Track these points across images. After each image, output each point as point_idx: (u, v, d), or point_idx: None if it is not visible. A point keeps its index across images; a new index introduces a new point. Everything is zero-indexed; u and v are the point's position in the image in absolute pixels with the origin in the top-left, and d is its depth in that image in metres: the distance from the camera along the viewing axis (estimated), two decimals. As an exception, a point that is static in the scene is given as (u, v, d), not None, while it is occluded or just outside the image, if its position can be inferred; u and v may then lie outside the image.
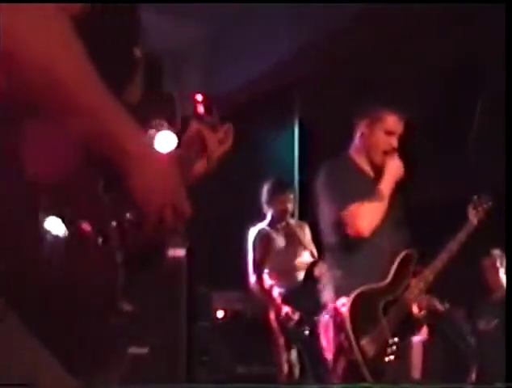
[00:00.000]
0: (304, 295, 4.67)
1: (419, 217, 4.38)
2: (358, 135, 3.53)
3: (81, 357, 1.26)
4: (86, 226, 1.23)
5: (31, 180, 1.16)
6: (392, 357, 3.22)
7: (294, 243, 5.20)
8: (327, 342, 3.33)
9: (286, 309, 4.95)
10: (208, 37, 6.22)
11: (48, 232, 1.16)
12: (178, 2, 1.15)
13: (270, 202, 5.31)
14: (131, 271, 1.33)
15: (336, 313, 3.27)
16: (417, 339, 5.00)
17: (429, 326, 5.08)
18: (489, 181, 3.78)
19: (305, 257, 5.12)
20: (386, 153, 3.46)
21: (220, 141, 1.78)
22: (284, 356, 5.06)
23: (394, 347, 3.23)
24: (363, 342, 3.18)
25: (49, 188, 1.18)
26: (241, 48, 5.91)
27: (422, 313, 3.41)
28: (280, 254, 5.24)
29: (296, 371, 5.05)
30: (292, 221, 5.33)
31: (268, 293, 5.09)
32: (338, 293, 3.32)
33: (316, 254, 5.00)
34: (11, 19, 1.09)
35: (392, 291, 3.34)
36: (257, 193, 5.37)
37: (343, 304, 3.24)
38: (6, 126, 1.18)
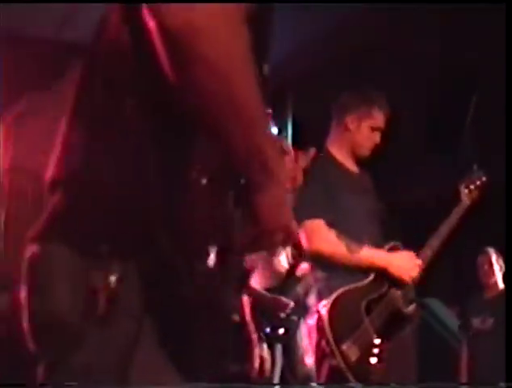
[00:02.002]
0: (285, 294, 4.66)
1: (407, 211, 4.36)
2: (341, 130, 3.47)
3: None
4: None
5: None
6: (377, 359, 3.13)
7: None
8: (309, 345, 3.28)
9: (276, 297, 4.93)
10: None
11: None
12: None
13: None
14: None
15: (318, 316, 3.17)
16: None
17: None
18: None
19: (283, 260, 5.10)
20: (371, 150, 3.45)
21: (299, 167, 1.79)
22: (257, 352, 5.05)
23: (379, 348, 3.15)
24: (345, 346, 3.09)
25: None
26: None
27: (411, 308, 3.29)
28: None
29: (268, 367, 5.04)
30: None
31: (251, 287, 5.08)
32: (321, 296, 3.23)
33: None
34: (203, 19, 1.09)
35: (375, 288, 3.25)
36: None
37: (324, 306, 3.15)
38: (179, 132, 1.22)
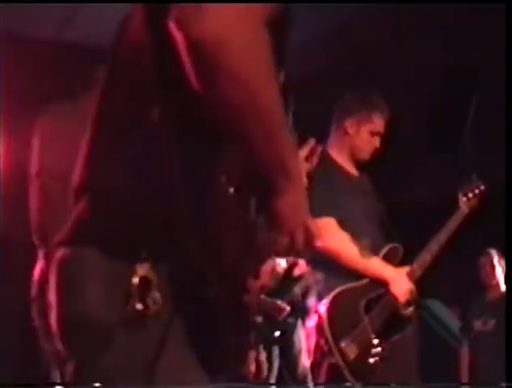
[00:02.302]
0: (283, 294, 4.66)
1: (408, 212, 4.35)
2: (340, 133, 3.47)
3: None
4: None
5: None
6: (376, 358, 3.13)
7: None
8: (308, 346, 3.27)
9: (273, 301, 4.92)
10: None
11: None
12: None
13: None
14: None
15: (317, 315, 3.18)
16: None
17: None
18: (484, 178, 3.68)
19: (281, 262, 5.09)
20: (371, 154, 3.44)
21: (305, 159, 1.78)
22: (253, 355, 5.05)
23: (379, 348, 3.14)
24: (343, 344, 3.09)
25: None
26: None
27: (410, 309, 3.28)
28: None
29: (265, 370, 5.03)
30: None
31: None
32: (320, 296, 3.24)
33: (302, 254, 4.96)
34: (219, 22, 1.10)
35: (374, 288, 3.25)
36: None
37: (322, 305, 3.16)
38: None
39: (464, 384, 5.48)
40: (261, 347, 4.98)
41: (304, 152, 1.79)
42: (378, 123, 3.44)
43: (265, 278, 5.07)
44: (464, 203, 3.46)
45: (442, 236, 3.37)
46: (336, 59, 5.12)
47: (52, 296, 1.31)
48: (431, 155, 5.51)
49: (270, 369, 4.97)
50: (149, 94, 1.27)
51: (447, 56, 4.74)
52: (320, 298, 3.23)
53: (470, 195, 3.47)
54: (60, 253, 1.30)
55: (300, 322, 4.61)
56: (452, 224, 3.40)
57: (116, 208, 1.28)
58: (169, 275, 1.24)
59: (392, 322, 3.23)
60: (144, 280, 1.22)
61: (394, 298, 3.24)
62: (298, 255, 1.45)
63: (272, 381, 4.90)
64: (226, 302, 1.28)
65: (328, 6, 4.34)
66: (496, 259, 5.67)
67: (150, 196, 1.25)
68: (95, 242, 1.27)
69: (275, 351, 4.97)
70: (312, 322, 3.24)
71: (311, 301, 3.37)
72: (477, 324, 5.66)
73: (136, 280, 1.22)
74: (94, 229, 1.29)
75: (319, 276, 3.32)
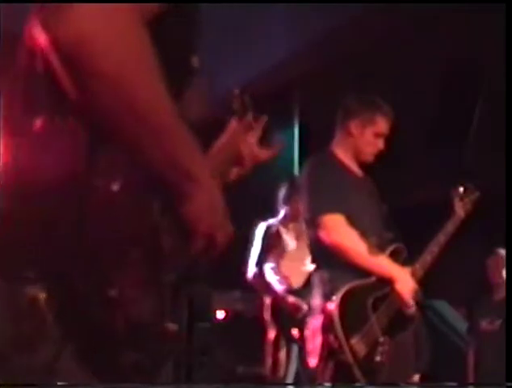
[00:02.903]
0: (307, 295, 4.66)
1: (408, 212, 4.35)
2: (345, 134, 3.47)
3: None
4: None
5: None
6: (382, 357, 3.13)
7: (303, 244, 5.18)
8: (313, 345, 3.28)
9: (293, 299, 4.93)
10: (207, 37, 6.21)
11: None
12: (180, 2, 1.11)
13: (286, 200, 5.29)
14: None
15: (325, 313, 3.19)
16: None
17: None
18: (487, 177, 3.72)
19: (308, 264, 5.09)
20: (374, 155, 3.45)
21: (258, 145, 1.68)
22: (272, 353, 5.06)
23: (385, 346, 3.15)
24: (353, 341, 3.10)
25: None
26: (241, 48, 5.90)
27: (413, 309, 3.30)
28: (288, 252, 5.23)
29: (282, 369, 5.04)
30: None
31: (269, 286, 5.08)
32: (327, 295, 3.24)
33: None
34: (91, 20, 1.05)
35: (380, 287, 3.26)
36: (254, 192, 5.34)
37: (331, 302, 3.16)
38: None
39: (470, 384, 5.46)
40: (281, 345, 5.00)
41: (254, 134, 1.68)
42: (382, 124, 3.44)
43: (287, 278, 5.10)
44: (460, 208, 3.55)
45: (441, 238, 3.41)
46: (339, 58, 5.12)
47: None
48: (433, 155, 5.50)
49: (287, 368, 4.98)
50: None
51: (446, 56, 4.73)
52: (327, 296, 3.24)
53: (466, 199, 3.57)
54: None
55: None
56: (450, 227, 3.46)
57: (5, 228, 1.22)
58: (61, 294, 1.17)
59: (396, 320, 3.24)
60: (33, 301, 1.17)
61: (399, 297, 3.25)
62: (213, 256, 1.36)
63: (289, 381, 4.91)
64: (124, 315, 1.20)
65: (329, 7, 4.34)
66: (504, 259, 5.64)
67: (35, 213, 1.19)
68: None
69: (295, 351, 4.98)
70: (319, 319, 3.25)
71: (316, 299, 3.38)
72: (484, 324, 5.65)
73: (25, 301, 1.17)
74: None
75: (327, 275, 3.32)
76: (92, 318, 1.18)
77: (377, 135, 3.43)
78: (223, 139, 1.67)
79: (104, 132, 1.14)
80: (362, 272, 3.25)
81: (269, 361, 5.08)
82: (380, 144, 3.45)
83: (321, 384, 3.36)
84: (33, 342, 1.17)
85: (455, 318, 6.49)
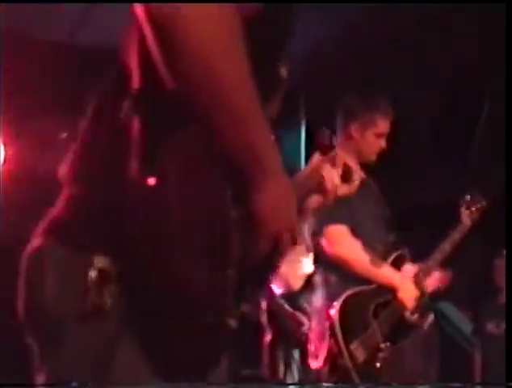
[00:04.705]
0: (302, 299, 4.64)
1: (413, 217, 4.35)
2: (346, 137, 3.47)
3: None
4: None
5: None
6: (382, 362, 3.15)
7: (302, 245, 5.16)
8: (315, 348, 3.29)
9: (293, 312, 4.93)
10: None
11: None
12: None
13: None
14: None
15: (327, 317, 3.22)
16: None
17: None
18: (490, 182, 3.73)
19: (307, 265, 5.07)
20: (377, 154, 3.45)
21: (341, 180, 1.70)
22: (270, 356, 5.05)
23: (385, 353, 3.16)
24: (353, 346, 3.12)
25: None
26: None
27: (415, 316, 3.32)
28: (289, 256, 5.22)
29: (281, 371, 5.03)
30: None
31: (267, 288, 5.09)
32: (332, 298, 3.26)
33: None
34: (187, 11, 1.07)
35: (382, 293, 3.28)
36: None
37: (333, 307, 3.19)
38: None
39: (470, 384, 5.43)
40: (280, 348, 5.00)
41: (340, 172, 1.70)
42: (382, 125, 3.44)
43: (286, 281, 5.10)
44: (467, 216, 3.57)
45: (446, 246, 3.44)
46: (347, 59, 5.11)
47: (19, 287, 1.32)
48: (438, 158, 5.48)
49: (287, 371, 4.97)
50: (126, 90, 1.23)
51: (445, 58, 4.72)
52: (331, 300, 3.26)
53: (472, 208, 3.59)
54: (31, 245, 1.32)
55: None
56: (456, 235, 3.49)
57: (81, 199, 1.28)
58: (129, 268, 1.21)
59: (398, 327, 3.26)
60: (101, 272, 1.20)
61: (402, 305, 3.27)
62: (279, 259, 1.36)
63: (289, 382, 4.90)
64: (187, 299, 1.21)
65: (330, 7, 4.34)
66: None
67: (110, 188, 1.23)
68: (59, 234, 1.28)
69: (295, 353, 4.97)
70: (320, 323, 3.26)
71: (317, 302, 3.38)
72: (489, 326, 5.63)
73: (93, 273, 1.20)
74: (61, 223, 1.29)
75: (332, 279, 3.35)
76: (155, 299, 1.20)
77: (378, 135, 3.43)
78: (306, 170, 1.71)
79: (186, 112, 1.15)
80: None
81: (267, 364, 5.08)
82: (382, 143, 3.45)
83: (321, 384, 3.37)
84: (97, 314, 1.20)
85: (461, 320, 6.47)
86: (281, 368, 5.01)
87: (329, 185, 1.64)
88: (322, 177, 1.63)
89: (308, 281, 4.47)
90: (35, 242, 1.31)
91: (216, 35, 1.09)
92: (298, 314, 4.83)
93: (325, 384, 3.28)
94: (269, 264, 1.37)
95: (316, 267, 3.50)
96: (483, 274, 5.97)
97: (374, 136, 3.42)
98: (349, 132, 3.44)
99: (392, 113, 3.47)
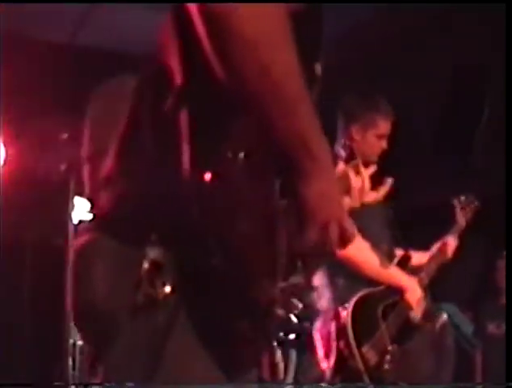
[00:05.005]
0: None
1: (412, 217, 4.35)
2: (347, 138, 3.42)
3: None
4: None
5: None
6: (390, 365, 3.15)
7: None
8: (324, 350, 3.29)
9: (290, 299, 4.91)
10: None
11: None
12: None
13: None
14: None
15: (337, 319, 3.23)
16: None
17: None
18: (490, 182, 3.75)
19: None
20: (378, 155, 3.45)
21: (367, 187, 1.70)
22: (268, 355, 5.04)
23: (392, 355, 3.17)
24: (365, 349, 3.13)
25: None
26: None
27: (421, 317, 3.32)
28: None
29: (280, 371, 5.02)
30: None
31: None
32: (340, 301, 3.27)
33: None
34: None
35: (390, 294, 3.29)
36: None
37: (343, 309, 3.20)
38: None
39: (470, 384, 5.43)
40: (277, 349, 4.99)
41: (362, 179, 1.70)
42: (383, 126, 3.43)
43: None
44: (462, 217, 3.66)
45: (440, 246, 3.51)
46: (343, 59, 5.11)
47: (68, 281, 1.33)
48: (438, 158, 5.48)
49: (286, 371, 4.97)
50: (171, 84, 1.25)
51: (445, 57, 4.72)
52: (340, 303, 3.27)
53: (467, 209, 3.68)
54: (80, 239, 1.33)
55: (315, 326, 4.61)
56: (451, 235, 3.58)
57: (131, 193, 1.29)
58: (181, 259, 1.22)
59: (404, 329, 3.27)
60: (154, 264, 1.21)
61: (409, 306, 3.29)
62: (325, 256, 1.37)
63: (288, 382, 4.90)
64: (239, 289, 1.23)
65: (330, 7, 4.33)
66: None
67: (158, 181, 1.25)
68: (109, 228, 1.29)
69: (292, 354, 4.97)
70: (330, 325, 3.27)
71: (324, 302, 3.39)
72: (491, 327, 5.62)
73: (146, 264, 1.21)
74: (111, 216, 1.31)
75: (340, 281, 3.34)
76: (208, 288, 1.21)
77: (379, 136, 3.42)
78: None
79: (237, 101, 1.16)
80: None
81: (267, 364, 5.07)
82: (383, 144, 3.44)
83: (321, 384, 3.37)
84: (151, 304, 1.21)
85: (462, 320, 6.46)
86: (278, 367, 5.01)
87: (356, 191, 1.64)
88: (350, 183, 1.63)
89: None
90: (83, 238, 1.32)
91: (269, 27, 1.11)
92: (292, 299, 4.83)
93: (323, 384, 3.28)
94: (318, 253, 1.35)
95: (323, 267, 3.51)
96: (484, 275, 5.96)
97: (375, 137, 3.41)
98: (350, 134, 3.43)
99: (392, 114, 3.46)
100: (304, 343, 4.65)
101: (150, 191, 1.26)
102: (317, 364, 3.66)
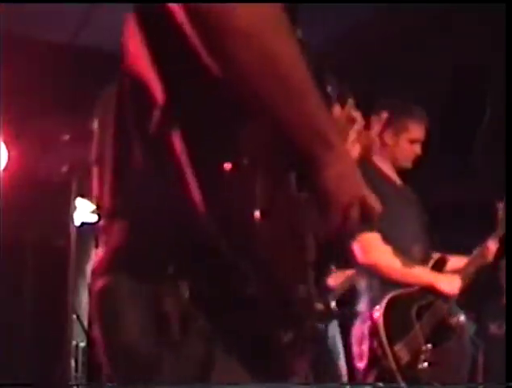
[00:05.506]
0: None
1: (444, 219, 4.36)
2: (381, 143, 3.49)
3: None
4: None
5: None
6: (425, 364, 3.19)
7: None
8: (360, 350, 3.31)
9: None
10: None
11: None
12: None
13: None
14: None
15: (370, 320, 3.27)
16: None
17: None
18: (490, 182, 3.75)
19: None
20: (413, 161, 3.48)
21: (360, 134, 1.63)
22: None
23: (428, 354, 3.20)
24: (397, 348, 3.16)
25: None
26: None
27: (455, 319, 3.39)
28: None
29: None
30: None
31: None
32: (375, 302, 3.31)
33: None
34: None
35: (424, 295, 3.31)
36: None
37: (376, 310, 3.24)
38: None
39: (470, 384, 5.42)
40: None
41: (377, 125, 1.64)
42: (415, 131, 3.47)
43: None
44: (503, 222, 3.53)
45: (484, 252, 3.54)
46: (342, 59, 5.11)
47: (96, 328, 1.27)
48: (438, 158, 5.48)
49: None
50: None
51: (445, 57, 4.71)
52: (373, 303, 3.32)
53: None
54: (97, 283, 1.26)
55: (334, 326, 4.62)
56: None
57: (148, 228, 1.22)
58: (206, 286, 1.17)
59: (440, 329, 3.31)
60: (175, 299, 1.17)
61: (446, 297, 3.32)
62: (351, 236, 1.33)
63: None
64: (270, 300, 1.18)
65: (331, 7, 4.34)
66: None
67: (175, 209, 1.18)
68: (131, 266, 1.22)
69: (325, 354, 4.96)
70: (364, 326, 3.31)
71: (361, 306, 3.44)
72: (492, 327, 5.61)
73: (174, 299, 1.17)
74: (127, 254, 1.24)
75: (375, 282, 3.39)
76: (242, 312, 1.17)
77: (412, 141, 3.46)
78: None
79: (242, 97, 1.13)
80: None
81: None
82: (417, 149, 3.48)
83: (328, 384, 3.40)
84: (181, 340, 1.17)
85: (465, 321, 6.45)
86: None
87: (356, 133, 1.57)
88: (346, 129, 1.56)
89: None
90: (101, 281, 1.26)
91: (267, 21, 1.09)
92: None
93: (332, 383, 3.32)
94: (345, 237, 1.32)
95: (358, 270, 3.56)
96: (486, 275, 5.94)
97: (408, 141, 3.45)
98: (383, 138, 3.46)
99: (425, 118, 3.49)
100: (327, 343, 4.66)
101: (152, 221, 1.20)
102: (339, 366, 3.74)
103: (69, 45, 5.12)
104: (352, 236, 1.27)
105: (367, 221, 1.29)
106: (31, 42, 4.72)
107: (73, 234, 5.39)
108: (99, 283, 1.26)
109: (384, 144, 3.47)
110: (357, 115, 1.59)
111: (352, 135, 1.57)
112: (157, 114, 1.18)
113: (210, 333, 1.17)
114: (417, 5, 4.27)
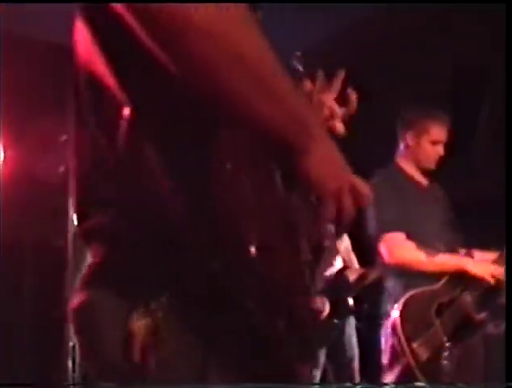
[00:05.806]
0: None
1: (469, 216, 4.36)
2: (403, 146, 3.57)
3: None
4: None
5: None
6: (447, 361, 3.21)
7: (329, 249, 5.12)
8: (384, 347, 3.36)
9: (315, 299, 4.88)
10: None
11: None
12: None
13: None
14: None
15: (390, 318, 3.32)
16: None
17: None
18: (490, 182, 3.77)
19: (337, 263, 5.03)
20: (435, 162, 3.51)
21: (338, 102, 1.56)
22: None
23: (450, 351, 3.22)
24: (415, 345, 3.18)
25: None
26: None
27: (482, 314, 3.40)
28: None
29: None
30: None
31: None
32: (394, 300, 3.36)
33: (352, 261, 4.87)
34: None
35: (446, 292, 3.33)
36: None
37: (395, 309, 3.29)
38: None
39: (469, 384, 5.42)
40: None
41: (332, 93, 1.56)
42: (436, 132, 3.53)
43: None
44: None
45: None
46: (342, 59, 5.11)
47: (77, 344, 1.25)
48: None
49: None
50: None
51: (445, 57, 4.72)
52: (392, 301, 3.37)
53: None
54: (75, 299, 1.22)
55: (350, 325, 4.63)
56: None
57: (126, 244, 1.17)
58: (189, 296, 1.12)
59: (463, 326, 3.34)
60: (165, 321, 1.12)
61: (478, 278, 3.32)
62: (348, 222, 1.24)
63: (315, 380, 4.89)
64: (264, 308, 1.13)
65: (330, 7, 4.34)
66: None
67: (156, 226, 1.13)
68: (107, 282, 1.18)
69: (322, 351, 4.95)
70: (387, 324, 3.35)
71: (386, 306, 3.47)
72: (490, 327, 5.60)
73: (144, 322, 1.12)
74: (107, 270, 1.19)
75: (400, 281, 3.42)
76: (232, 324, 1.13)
77: (434, 142, 3.51)
78: None
79: (211, 97, 1.08)
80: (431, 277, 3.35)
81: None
82: (440, 150, 3.53)
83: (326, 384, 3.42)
84: (177, 361, 1.13)
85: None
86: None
87: (326, 114, 1.53)
88: (316, 106, 1.53)
89: (337, 280, 4.48)
90: (80, 296, 1.21)
91: (231, 18, 1.05)
92: (318, 299, 4.81)
93: (329, 384, 3.34)
94: (340, 223, 1.26)
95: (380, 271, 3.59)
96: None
97: (429, 143, 3.51)
98: (406, 140, 3.53)
99: (447, 120, 3.52)
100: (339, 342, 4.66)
101: (138, 235, 1.15)
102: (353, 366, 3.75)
103: (68, 45, 5.11)
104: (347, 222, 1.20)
105: (359, 204, 1.24)
106: (31, 42, 4.72)
107: (73, 234, 5.39)
108: (76, 298, 1.22)
109: (407, 145, 3.54)
110: (329, 85, 1.56)
111: (326, 111, 1.53)
112: (124, 125, 1.13)
113: (194, 348, 1.12)
114: (417, 5, 4.28)
